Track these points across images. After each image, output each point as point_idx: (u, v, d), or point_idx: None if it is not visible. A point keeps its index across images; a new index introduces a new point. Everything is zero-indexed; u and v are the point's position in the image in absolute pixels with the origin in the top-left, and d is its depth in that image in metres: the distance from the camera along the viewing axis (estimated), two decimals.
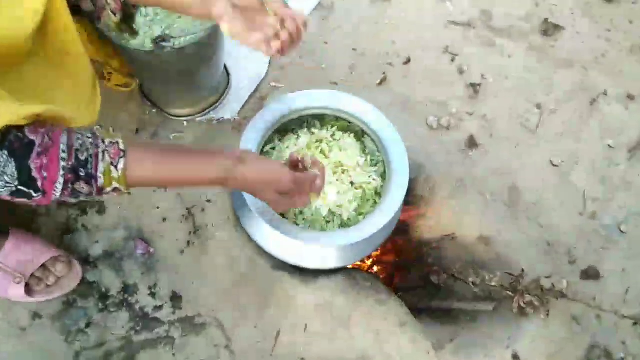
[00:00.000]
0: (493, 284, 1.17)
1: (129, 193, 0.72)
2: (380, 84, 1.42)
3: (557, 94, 1.46)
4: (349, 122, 1.09)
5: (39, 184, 0.66)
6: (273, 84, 1.37)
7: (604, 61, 1.54)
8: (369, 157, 1.08)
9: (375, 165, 1.08)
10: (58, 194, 0.68)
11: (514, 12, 1.58)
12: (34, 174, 0.65)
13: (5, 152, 0.63)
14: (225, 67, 1.36)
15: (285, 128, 1.09)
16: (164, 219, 1.19)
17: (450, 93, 1.43)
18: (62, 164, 0.66)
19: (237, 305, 1.12)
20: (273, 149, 1.09)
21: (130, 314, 1.10)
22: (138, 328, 1.09)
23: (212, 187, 1.18)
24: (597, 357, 1.17)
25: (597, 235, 1.29)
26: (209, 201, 1.16)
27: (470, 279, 1.21)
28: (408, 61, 1.46)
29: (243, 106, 1.32)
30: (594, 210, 1.32)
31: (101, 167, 0.68)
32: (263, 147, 1.06)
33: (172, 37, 1.00)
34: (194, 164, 0.76)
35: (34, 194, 0.67)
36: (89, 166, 0.67)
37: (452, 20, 1.54)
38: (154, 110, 1.30)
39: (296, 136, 1.09)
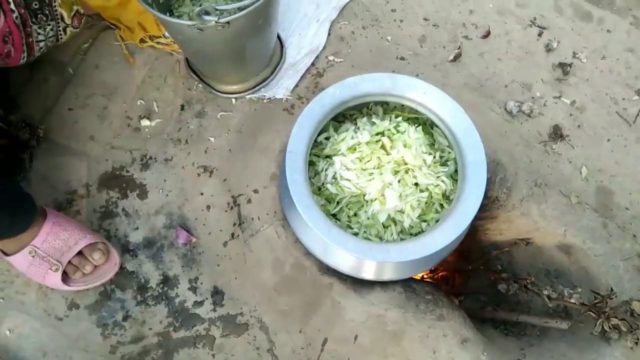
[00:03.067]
0: (572, 300, 1.02)
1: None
2: (453, 60, 1.25)
3: None
4: (417, 111, 0.94)
5: None
6: (332, 57, 1.23)
7: None
8: (438, 154, 0.93)
9: (445, 164, 0.93)
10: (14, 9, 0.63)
11: None
12: None
13: None
14: (279, 38, 1.22)
15: (343, 114, 0.95)
16: (208, 207, 1.10)
17: (534, 74, 1.24)
18: None
19: (282, 308, 1.02)
20: (327, 139, 0.96)
21: (169, 308, 1.04)
22: (177, 324, 1.03)
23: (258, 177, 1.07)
24: None
25: None
26: (255, 191, 1.06)
27: (545, 292, 1.06)
28: (487, 34, 1.27)
29: (297, 84, 1.19)
30: None
31: None
32: (317, 136, 0.93)
33: (216, 9, 0.88)
34: None
35: None
36: None
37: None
38: (200, 86, 1.19)
39: (354, 126, 0.95)
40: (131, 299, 1.04)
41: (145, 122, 1.16)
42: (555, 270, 1.12)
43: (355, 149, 0.91)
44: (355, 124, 0.96)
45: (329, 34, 1.25)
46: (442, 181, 0.91)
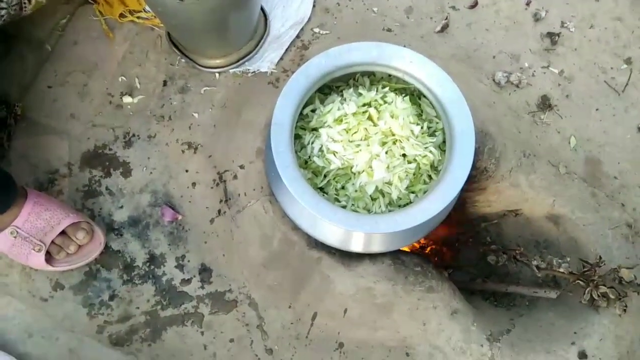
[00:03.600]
0: (561, 270, 1.02)
1: None
2: (441, 31, 1.22)
3: None
4: (404, 81, 0.92)
5: None
6: (317, 30, 1.20)
7: None
8: (425, 125, 0.92)
9: (433, 134, 0.92)
10: None
11: None
12: None
13: None
14: (262, 10, 1.19)
15: (329, 85, 0.93)
16: (194, 184, 1.08)
17: (523, 44, 1.22)
18: None
19: (271, 283, 1.02)
20: (313, 111, 0.94)
21: (156, 287, 1.02)
22: (164, 302, 1.02)
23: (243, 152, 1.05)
24: None
25: None
26: (241, 167, 1.04)
27: (534, 262, 1.06)
28: (475, 4, 1.25)
29: (282, 57, 1.16)
30: None
31: None
32: (303, 108, 0.91)
33: None
34: None
35: None
36: None
37: None
38: (183, 60, 1.16)
39: (340, 97, 0.93)
40: (117, 278, 1.02)
41: (127, 99, 1.14)
42: (544, 240, 1.12)
43: (341, 121, 0.89)
44: (342, 95, 0.94)
45: (313, 6, 1.22)
46: (430, 152, 0.89)
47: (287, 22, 1.21)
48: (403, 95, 0.93)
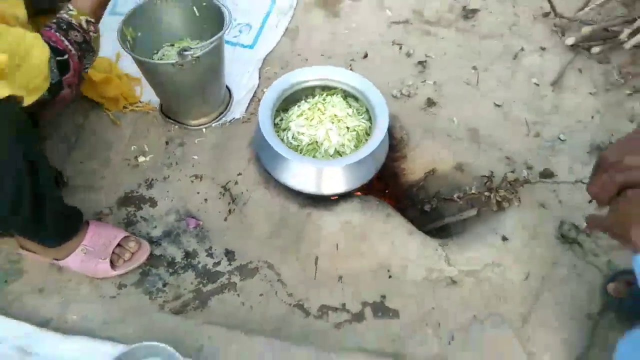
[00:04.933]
0: (472, 191, 1.48)
1: (96, 21, 1.15)
2: None
3: (486, 57, 1.85)
4: (335, 88, 1.43)
5: (58, 47, 1.05)
6: (265, 90, 1.71)
7: (515, 29, 1.95)
8: (354, 109, 1.41)
9: (363, 114, 1.41)
10: (72, 49, 1.06)
11: (439, 7, 2.00)
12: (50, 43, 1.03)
13: None
14: (227, 86, 1.69)
15: (288, 101, 1.42)
16: (205, 200, 1.47)
17: (404, 71, 1.80)
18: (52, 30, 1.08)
19: (279, 246, 1.39)
20: (281, 120, 1.41)
21: (195, 272, 1.36)
22: (204, 281, 1.34)
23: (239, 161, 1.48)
24: (568, 229, 1.47)
25: (544, 147, 1.63)
26: (239, 174, 1.46)
27: (455, 195, 1.52)
28: (366, 55, 1.84)
29: (246, 109, 1.65)
30: (537, 130, 1.66)
31: (66, 16, 1.09)
32: (274, 119, 1.38)
33: (190, 48, 1.34)
34: None
35: (64, 58, 1.05)
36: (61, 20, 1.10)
37: (393, 21, 1.94)
38: (175, 126, 1.61)
39: (297, 105, 1.41)
40: (165, 272, 1.35)
41: (141, 159, 1.55)
42: (457, 183, 1.59)
43: (302, 114, 1.36)
44: (299, 105, 1.42)
45: (259, 77, 1.75)
46: (363, 122, 1.37)
47: (243, 91, 1.71)
48: (335, 94, 1.43)
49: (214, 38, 1.35)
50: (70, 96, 1.13)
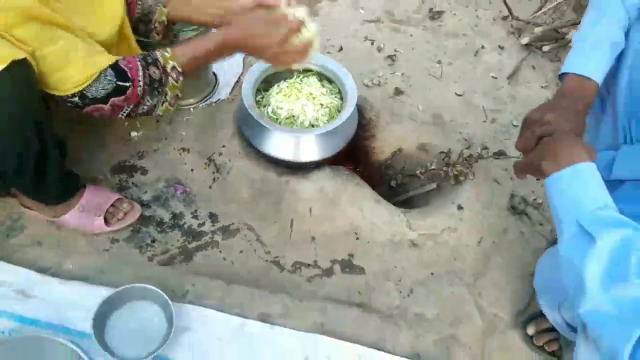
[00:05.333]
0: (433, 167, 1.65)
1: (183, 72, 1.21)
2: None
3: (450, 53, 2.04)
4: (311, 70, 1.60)
5: (129, 74, 1.12)
6: None
7: (477, 29, 2.15)
8: (328, 90, 1.58)
9: (335, 94, 1.58)
10: (141, 81, 1.14)
11: (408, 8, 2.20)
12: (124, 67, 1.12)
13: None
14: (214, 72, 1.85)
15: (268, 81, 1.58)
16: (192, 170, 1.61)
17: (375, 64, 1.98)
18: (137, 59, 1.15)
19: (259, 210, 1.54)
20: (262, 97, 1.57)
21: (181, 232, 1.50)
22: (189, 239, 1.48)
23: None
24: (518, 202, 1.65)
25: (499, 131, 1.82)
26: (223, 146, 1.61)
27: (417, 171, 1.69)
28: (341, 49, 2.02)
29: (231, 92, 1.80)
30: (493, 117, 1.86)
31: (159, 54, 1.18)
32: (255, 97, 1.54)
33: (182, 30, 1.50)
34: (205, 48, 1.23)
35: (126, 84, 1.12)
36: (151, 55, 1.17)
37: (366, 20, 2.13)
38: None
39: (277, 85, 1.58)
40: (154, 230, 1.48)
41: (133, 134, 1.69)
42: (420, 162, 1.76)
43: (281, 91, 1.53)
44: (278, 85, 1.58)
45: (243, 65, 1.91)
46: (335, 100, 1.54)
47: (229, 76, 1.87)
48: (311, 76, 1.60)
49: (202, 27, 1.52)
50: (106, 115, 1.18)
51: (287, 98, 1.52)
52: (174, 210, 1.54)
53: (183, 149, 1.66)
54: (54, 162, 1.29)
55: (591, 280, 0.75)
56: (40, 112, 1.17)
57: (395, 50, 2.03)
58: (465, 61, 2.01)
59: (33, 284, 1.33)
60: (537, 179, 1.71)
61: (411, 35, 2.09)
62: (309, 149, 1.47)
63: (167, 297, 1.27)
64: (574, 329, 1.12)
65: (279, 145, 1.47)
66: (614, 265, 0.74)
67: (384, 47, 2.03)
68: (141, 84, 1.16)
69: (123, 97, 1.16)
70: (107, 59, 1.14)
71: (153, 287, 1.28)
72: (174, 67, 1.20)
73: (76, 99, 1.13)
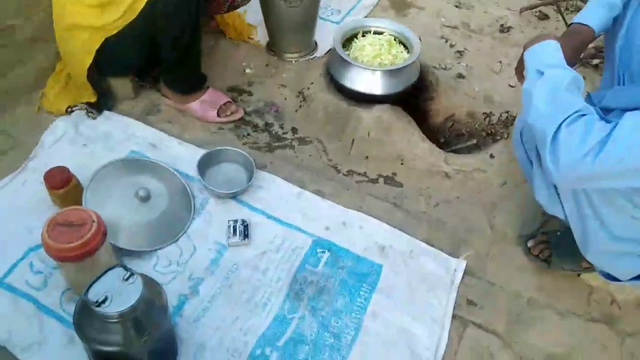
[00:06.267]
0: (476, 126, 2.02)
1: None
2: None
3: (512, 57, 2.42)
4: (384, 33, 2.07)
5: None
6: None
7: None
8: (398, 47, 2.03)
9: (404, 50, 2.03)
10: None
11: (483, 22, 2.63)
12: None
13: None
14: (315, 40, 2.38)
15: (352, 37, 2.07)
16: (285, 98, 2.11)
17: (446, 56, 2.41)
18: None
19: (329, 130, 1.98)
20: (347, 50, 2.06)
21: (269, 135, 1.97)
22: (274, 140, 1.95)
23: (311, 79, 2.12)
24: None
25: None
26: (312, 83, 2.09)
27: (464, 130, 2.06)
28: (419, 40, 2.47)
29: (325, 53, 2.31)
30: None
31: None
32: (344, 44, 2.02)
33: None
34: None
35: None
36: None
37: (445, 25, 2.58)
38: (275, 57, 2.30)
39: (360, 38, 2.06)
40: (250, 129, 1.98)
41: (247, 70, 2.23)
42: (469, 126, 2.12)
43: (364, 41, 2.01)
44: (364, 35, 2.07)
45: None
46: (404, 53, 1.99)
47: (326, 45, 2.39)
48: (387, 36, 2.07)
49: None
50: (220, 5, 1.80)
51: (367, 46, 1.99)
52: (267, 120, 2.03)
53: (282, 85, 2.17)
54: (195, 57, 1.84)
55: (537, 98, 1.11)
56: (199, 12, 1.72)
57: (465, 48, 2.45)
58: None
59: (160, 140, 1.86)
60: None
61: (480, 41, 2.50)
62: (377, 84, 1.92)
63: (251, 159, 1.74)
64: (531, 163, 1.43)
65: (353, 78, 1.92)
66: (553, 86, 1.10)
67: (455, 45, 2.46)
68: None
69: None
70: None
71: (242, 151, 1.76)
72: None
73: None
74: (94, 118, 1.90)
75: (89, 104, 1.91)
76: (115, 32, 1.69)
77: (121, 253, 1.50)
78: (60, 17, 1.76)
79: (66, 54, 1.86)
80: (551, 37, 1.27)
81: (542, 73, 1.15)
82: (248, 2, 2.04)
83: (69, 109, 1.90)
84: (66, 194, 1.57)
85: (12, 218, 1.59)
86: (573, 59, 1.41)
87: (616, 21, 1.49)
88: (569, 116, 1.05)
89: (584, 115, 1.06)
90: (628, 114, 1.03)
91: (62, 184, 1.56)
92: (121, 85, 1.98)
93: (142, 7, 1.60)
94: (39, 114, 1.92)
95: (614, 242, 1.24)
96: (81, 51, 1.76)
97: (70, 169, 1.57)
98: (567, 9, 2.62)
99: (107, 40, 1.71)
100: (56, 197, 1.58)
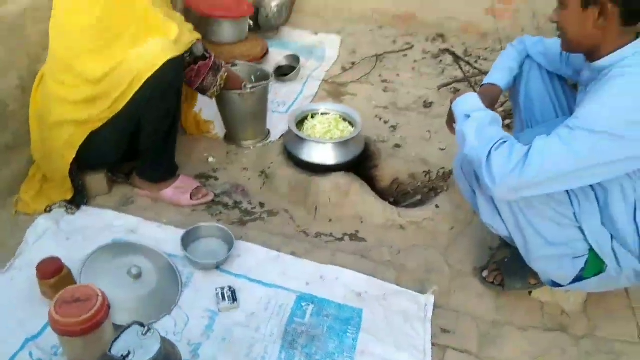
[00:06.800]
0: (419, 184, 2.31)
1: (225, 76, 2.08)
2: None
3: (437, 126, 2.79)
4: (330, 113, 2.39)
5: (208, 50, 1.98)
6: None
7: None
8: (344, 124, 2.34)
9: (348, 127, 2.34)
10: (212, 58, 2.00)
11: (408, 101, 3.03)
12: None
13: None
14: (267, 128, 2.66)
15: (304, 118, 2.37)
16: (249, 179, 2.33)
17: (382, 131, 2.74)
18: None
19: (294, 200, 2.20)
20: (303, 123, 2.35)
21: (239, 210, 2.16)
22: (245, 215, 2.14)
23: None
24: None
25: None
26: (272, 163, 2.34)
27: (409, 189, 2.35)
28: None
29: (279, 138, 2.58)
30: None
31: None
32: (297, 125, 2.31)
33: (254, 85, 2.35)
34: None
35: (207, 55, 1.98)
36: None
37: (377, 106, 2.96)
38: (233, 145, 2.54)
39: (311, 118, 2.36)
40: (221, 208, 2.16)
41: (210, 159, 2.45)
42: (411, 186, 2.41)
43: (314, 121, 2.30)
44: (313, 117, 2.37)
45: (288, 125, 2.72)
46: (349, 128, 2.30)
47: (277, 132, 2.67)
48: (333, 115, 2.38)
49: (263, 82, 2.37)
50: (192, 78, 2.03)
51: (318, 125, 2.29)
52: (235, 199, 2.23)
53: (244, 168, 2.40)
54: (172, 144, 2.05)
55: (469, 135, 1.41)
56: (180, 101, 1.96)
57: (397, 123, 2.81)
58: (448, 132, 2.76)
59: (139, 226, 2.00)
60: None
61: (409, 117, 2.88)
62: (330, 155, 2.19)
63: (229, 231, 1.91)
64: (474, 192, 1.69)
65: (309, 152, 2.19)
66: (479, 124, 1.41)
67: (388, 121, 2.82)
68: (212, 60, 1.98)
69: (205, 62, 1.95)
70: (198, 34, 1.99)
71: (220, 225, 1.93)
72: (223, 65, 2.05)
73: (187, 54, 1.91)
74: (73, 213, 2.02)
75: (66, 201, 2.03)
76: (100, 124, 1.87)
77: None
78: (43, 117, 1.93)
79: (46, 154, 2.01)
80: (471, 92, 1.61)
81: (469, 116, 1.46)
82: (215, 94, 2.19)
83: (48, 208, 2.01)
84: (57, 283, 1.65)
85: (3, 314, 1.64)
86: (489, 108, 1.75)
87: (516, 80, 1.88)
88: (495, 143, 1.35)
89: (506, 141, 1.36)
90: (537, 138, 1.34)
91: (54, 274, 1.65)
92: (96, 181, 2.12)
93: (129, 98, 1.81)
94: (16, 217, 2.01)
95: (548, 247, 1.51)
96: (65, 146, 1.91)
97: None
98: (476, 83, 3.09)
99: (91, 133, 1.88)
100: (48, 288, 1.66)
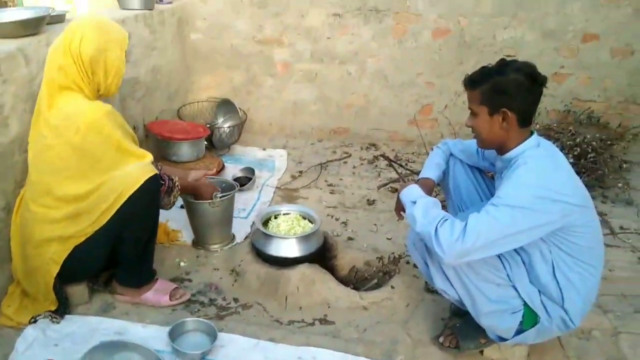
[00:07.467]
0: (374, 269, 2.61)
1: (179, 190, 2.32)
2: None
3: (382, 220, 3.17)
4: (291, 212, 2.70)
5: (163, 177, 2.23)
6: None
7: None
8: (304, 221, 2.65)
9: (309, 222, 2.65)
10: (166, 184, 2.24)
11: (354, 200, 3.42)
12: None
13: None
14: (232, 233, 2.91)
15: (268, 219, 2.66)
16: (221, 278, 2.54)
17: (335, 227, 3.08)
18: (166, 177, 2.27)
19: (265, 293, 2.42)
20: (267, 223, 2.63)
21: (216, 307, 2.35)
22: (221, 311, 2.33)
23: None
24: (430, 286, 2.56)
25: None
26: (241, 261, 2.57)
27: (366, 275, 2.64)
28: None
29: (243, 240, 2.84)
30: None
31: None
32: (264, 224, 2.59)
33: (223, 195, 2.64)
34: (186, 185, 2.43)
35: (162, 182, 2.22)
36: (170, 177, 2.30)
37: (327, 206, 3.31)
38: (202, 250, 2.76)
39: (274, 218, 2.65)
40: (198, 306, 2.33)
41: (182, 264, 2.65)
42: (368, 271, 2.70)
43: (277, 220, 2.59)
44: (276, 217, 2.66)
45: (251, 229, 2.99)
46: (310, 224, 2.60)
47: (242, 234, 2.93)
48: (296, 215, 2.69)
49: (230, 192, 2.67)
50: (162, 198, 2.28)
51: (282, 223, 2.58)
52: (210, 297, 2.41)
53: (215, 269, 2.61)
54: (151, 251, 2.26)
55: (418, 216, 1.75)
56: (158, 211, 2.21)
57: (347, 220, 3.15)
58: (392, 223, 3.12)
59: (124, 328, 2.14)
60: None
61: (356, 213, 3.25)
62: (294, 248, 2.47)
63: (212, 324, 2.09)
64: (426, 263, 1.99)
65: (277, 247, 2.46)
66: (424, 207, 1.76)
67: (339, 218, 3.16)
68: (167, 184, 2.22)
69: (163, 187, 2.21)
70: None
71: (202, 319, 2.11)
72: (177, 185, 2.29)
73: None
74: (58, 322, 2.13)
75: (50, 311, 2.14)
76: (84, 239, 2.06)
77: None
78: (25, 237, 2.10)
79: (28, 272, 2.15)
80: (413, 184, 1.99)
81: (415, 202, 1.82)
82: (169, 207, 2.36)
83: (33, 320, 2.11)
84: None
85: None
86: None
87: (445, 174, 2.30)
88: (439, 220, 1.70)
89: (447, 219, 1.72)
90: (470, 215, 1.71)
91: None
92: (77, 292, 2.26)
93: (113, 213, 2.03)
94: (0, 330, 2.09)
95: (491, 304, 1.82)
96: (49, 263, 2.08)
97: None
98: (410, 181, 3.54)
99: (74, 248, 2.07)
100: None
